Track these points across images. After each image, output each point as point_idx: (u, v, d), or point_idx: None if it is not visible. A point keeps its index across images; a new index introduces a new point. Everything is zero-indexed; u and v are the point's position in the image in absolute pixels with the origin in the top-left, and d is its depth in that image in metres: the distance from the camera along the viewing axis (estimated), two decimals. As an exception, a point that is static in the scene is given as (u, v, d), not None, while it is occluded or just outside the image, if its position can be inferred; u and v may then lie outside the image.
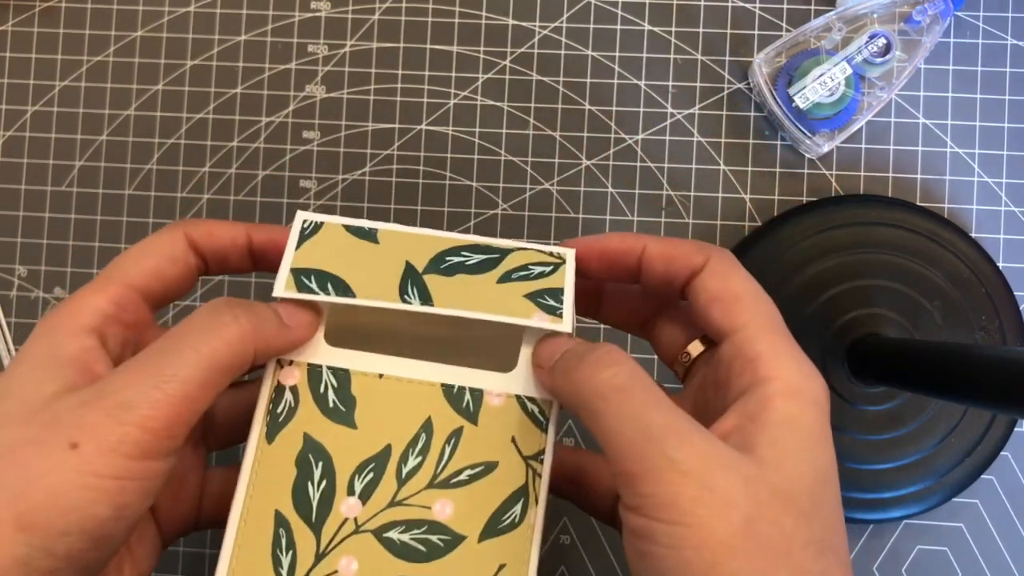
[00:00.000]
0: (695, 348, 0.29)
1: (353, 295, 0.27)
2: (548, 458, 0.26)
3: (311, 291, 0.27)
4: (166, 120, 0.45)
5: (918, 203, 0.43)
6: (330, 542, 0.26)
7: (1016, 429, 0.42)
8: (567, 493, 0.31)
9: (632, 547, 0.22)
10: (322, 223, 0.28)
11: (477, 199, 0.44)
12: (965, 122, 0.44)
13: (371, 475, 0.26)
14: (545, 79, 0.45)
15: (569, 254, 0.28)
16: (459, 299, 0.27)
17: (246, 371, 0.26)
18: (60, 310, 0.26)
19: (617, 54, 0.44)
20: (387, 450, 0.26)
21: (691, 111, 0.44)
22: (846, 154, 0.44)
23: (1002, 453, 0.42)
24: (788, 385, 0.24)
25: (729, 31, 0.44)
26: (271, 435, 0.26)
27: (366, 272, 0.27)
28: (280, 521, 0.26)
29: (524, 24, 0.45)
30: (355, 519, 0.26)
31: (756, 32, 0.44)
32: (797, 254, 0.42)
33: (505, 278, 0.27)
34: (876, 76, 0.42)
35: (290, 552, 0.25)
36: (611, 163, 0.44)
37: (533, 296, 0.27)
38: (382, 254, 0.28)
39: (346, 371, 0.27)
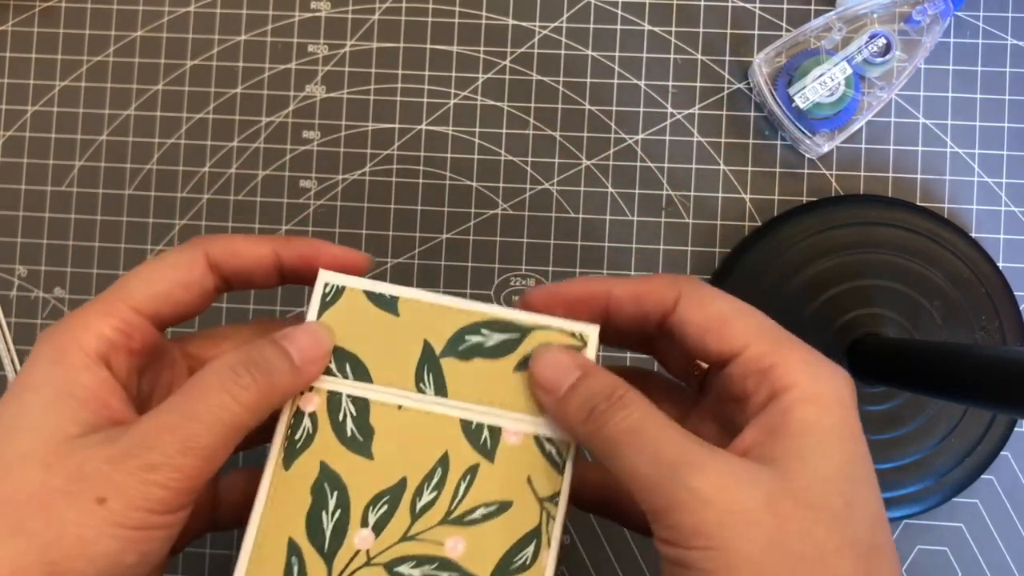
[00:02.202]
0: (704, 363, 0.28)
1: (370, 379, 0.27)
2: (563, 500, 0.27)
3: (331, 372, 0.27)
4: (166, 120, 0.45)
5: (918, 203, 0.43)
6: (341, 574, 0.26)
7: (1016, 429, 0.42)
8: (600, 512, 0.31)
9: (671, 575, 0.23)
10: (343, 288, 0.28)
11: (477, 199, 0.44)
12: (965, 122, 0.44)
13: (385, 507, 0.26)
14: (545, 79, 0.45)
15: (592, 333, 0.28)
16: (473, 389, 0.27)
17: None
18: (64, 332, 0.25)
19: (617, 54, 0.44)
20: (403, 483, 0.26)
21: (691, 111, 0.44)
22: (846, 154, 0.44)
23: (1002, 453, 0.42)
24: (804, 392, 0.24)
25: (729, 31, 0.44)
26: (288, 461, 0.27)
27: (384, 352, 0.27)
28: (293, 550, 0.26)
29: (524, 24, 0.45)
30: (367, 551, 0.26)
31: (756, 32, 0.44)
32: (797, 254, 0.42)
33: (523, 365, 0.27)
34: (876, 76, 0.42)
35: None
36: (611, 163, 0.44)
37: None
38: (402, 330, 0.28)
39: (365, 400, 0.27)
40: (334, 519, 0.26)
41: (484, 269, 0.44)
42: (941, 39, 0.43)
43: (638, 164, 0.44)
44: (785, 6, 0.44)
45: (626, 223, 0.44)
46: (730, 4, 0.44)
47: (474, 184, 0.44)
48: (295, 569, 0.26)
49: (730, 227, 0.44)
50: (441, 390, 0.27)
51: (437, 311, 0.28)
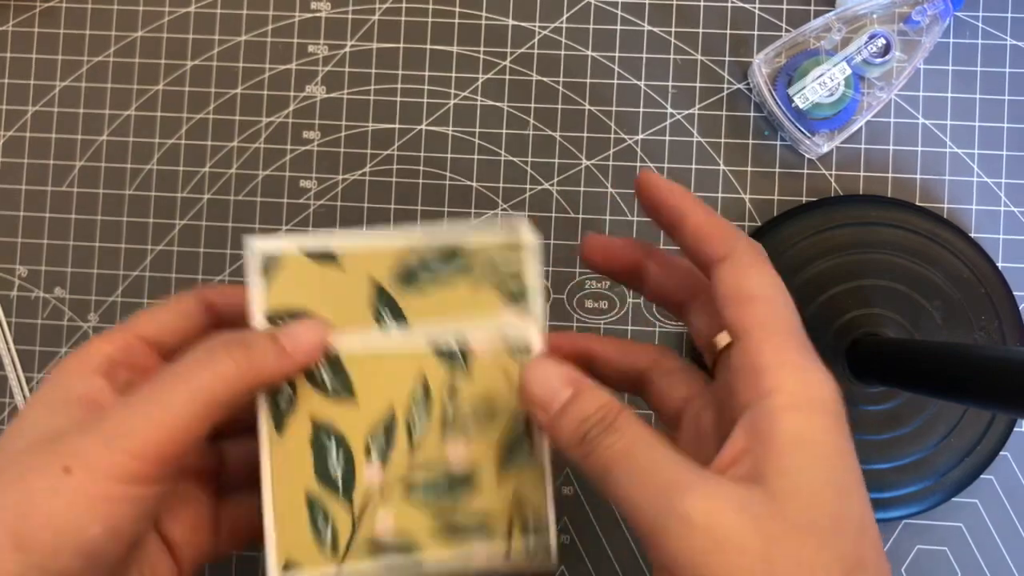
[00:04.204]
0: (722, 339, 0.28)
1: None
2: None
3: None
4: (166, 120, 0.45)
5: (918, 203, 0.43)
6: (363, 505, 0.27)
7: (1016, 429, 0.42)
8: (631, 391, 0.31)
9: None
10: (279, 255, 0.28)
11: (477, 199, 0.44)
12: (965, 122, 0.44)
13: (384, 437, 0.28)
14: (545, 79, 0.45)
15: (530, 247, 0.29)
16: (431, 313, 0.28)
17: (244, 404, 0.27)
18: (71, 356, 0.28)
19: (617, 54, 0.45)
20: (391, 412, 0.28)
21: (691, 111, 0.44)
22: (846, 154, 0.44)
23: (1002, 453, 0.42)
24: (793, 398, 0.23)
25: (729, 31, 0.44)
26: (279, 426, 0.27)
27: (336, 301, 0.28)
28: (312, 502, 0.27)
29: (524, 24, 0.45)
30: (380, 479, 0.27)
31: (756, 32, 0.44)
32: (797, 254, 0.42)
33: (475, 284, 0.29)
34: (876, 76, 0.42)
35: (328, 524, 0.27)
36: (611, 163, 0.44)
37: (505, 293, 0.29)
38: (347, 277, 0.28)
39: (335, 351, 0.28)
40: (341, 463, 0.27)
41: (484, 269, 0.44)
42: (941, 39, 0.43)
43: (638, 164, 0.44)
44: (785, 6, 0.44)
45: (626, 223, 0.44)
46: (730, 4, 0.44)
47: (474, 184, 0.44)
48: (319, 516, 0.27)
49: (730, 227, 0.44)
50: (400, 318, 0.28)
51: (377, 252, 0.28)
